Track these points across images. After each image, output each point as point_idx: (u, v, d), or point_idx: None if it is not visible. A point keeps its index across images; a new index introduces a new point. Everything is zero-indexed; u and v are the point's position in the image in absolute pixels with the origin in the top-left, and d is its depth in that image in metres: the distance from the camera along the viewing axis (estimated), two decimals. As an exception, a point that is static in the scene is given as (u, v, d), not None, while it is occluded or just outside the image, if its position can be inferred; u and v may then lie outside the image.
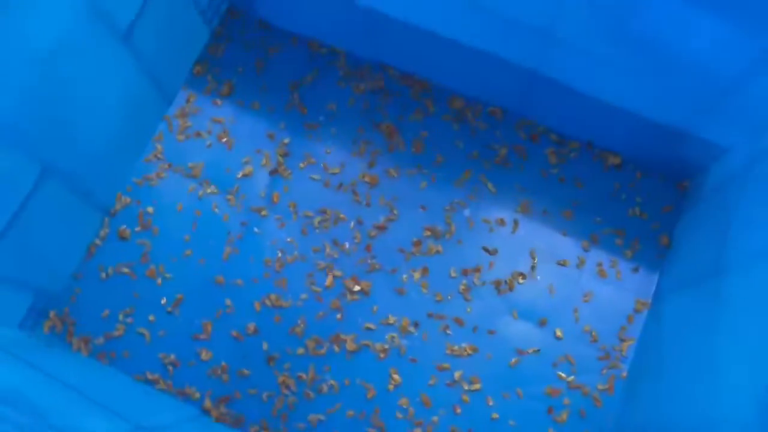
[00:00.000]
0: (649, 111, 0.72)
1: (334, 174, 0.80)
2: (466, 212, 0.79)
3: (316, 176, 0.80)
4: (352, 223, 0.79)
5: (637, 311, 0.75)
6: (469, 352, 0.74)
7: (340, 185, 0.80)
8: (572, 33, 0.66)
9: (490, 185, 0.80)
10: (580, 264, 0.77)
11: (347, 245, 0.78)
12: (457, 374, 0.73)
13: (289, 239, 0.78)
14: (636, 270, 0.76)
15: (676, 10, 0.59)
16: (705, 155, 0.74)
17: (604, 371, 0.73)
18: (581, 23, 0.65)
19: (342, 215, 0.79)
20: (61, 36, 0.60)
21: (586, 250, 0.77)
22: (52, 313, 0.75)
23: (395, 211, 0.79)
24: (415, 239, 0.78)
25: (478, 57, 0.75)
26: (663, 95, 0.69)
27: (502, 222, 0.78)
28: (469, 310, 0.75)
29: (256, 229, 0.78)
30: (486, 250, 0.78)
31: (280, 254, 0.77)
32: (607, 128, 0.78)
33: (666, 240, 0.77)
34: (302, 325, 0.75)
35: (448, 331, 0.75)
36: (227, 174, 0.80)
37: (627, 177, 0.80)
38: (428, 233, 0.78)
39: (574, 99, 0.75)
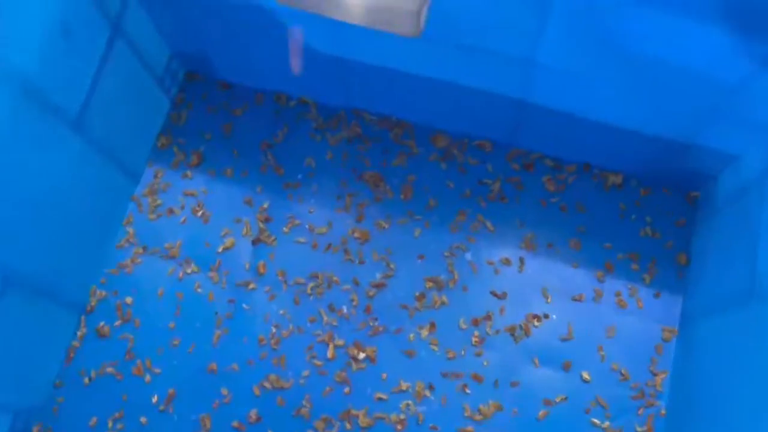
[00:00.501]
0: (647, 125, 0.67)
1: (321, 234, 0.75)
2: (468, 256, 0.73)
3: (302, 239, 0.74)
4: (347, 285, 0.73)
5: (665, 340, 0.70)
6: (493, 410, 0.68)
7: (329, 245, 0.74)
8: (556, 57, 0.62)
9: (488, 224, 0.74)
10: (597, 297, 0.71)
11: (345, 310, 0.72)
12: (482, 436, 0.67)
13: (282, 311, 0.72)
14: (657, 295, 0.71)
15: (665, 22, 0.54)
16: (713, 164, 0.69)
17: (641, 411, 0.67)
18: (564, 46, 0.60)
19: (335, 278, 0.73)
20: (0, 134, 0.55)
21: (601, 281, 0.72)
22: (35, 430, 0.69)
23: (392, 266, 0.73)
24: (417, 293, 0.72)
25: (458, 92, 0.70)
26: (660, 108, 0.64)
27: (507, 262, 0.73)
28: (486, 363, 0.69)
29: (245, 306, 0.72)
30: (494, 294, 0.72)
31: (274, 329, 0.71)
32: (603, 147, 0.73)
33: (684, 258, 0.72)
34: (308, 406, 0.69)
35: (467, 390, 0.69)
36: (207, 249, 0.75)
37: (631, 195, 0.75)
38: (430, 284, 0.72)
39: (566, 122, 0.70)
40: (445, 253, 0.73)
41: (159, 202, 0.76)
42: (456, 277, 0.72)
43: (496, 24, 0.59)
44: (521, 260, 0.73)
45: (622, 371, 0.69)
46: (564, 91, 0.66)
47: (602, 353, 0.69)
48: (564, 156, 0.76)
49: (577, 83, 0.64)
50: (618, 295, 0.71)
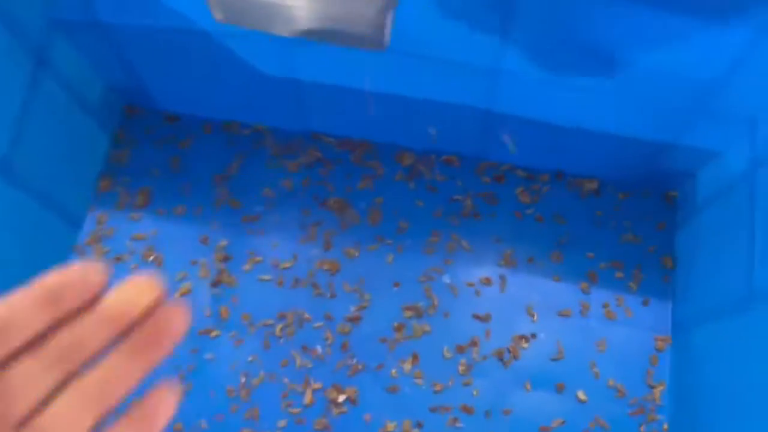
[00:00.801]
0: (620, 128, 0.65)
1: (286, 269, 0.69)
2: (446, 279, 0.69)
3: (266, 276, 0.69)
4: (319, 323, 0.67)
5: (659, 350, 0.66)
6: (488, 443, 0.63)
7: (296, 281, 0.69)
8: (522, 63, 0.58)
9: (464, 243, 0.70)
10: (584, 310, 0.68)
11: (320, 349, 0.66)
12: (480, 473, 0.62)
13: (250, 358, 0.66)
14: (646, 303, 0.68)
15: (635, 21, 0.51)
16: (691, 162, 0.67)
17: (643, 428, 0.64)
18: (530, 51, 0.57)
19: (306, 315, 0.67)
20: None
21: (586, 293, 0.68)
22: None
23: (366, 296, 0.68)
24: (395, 324, 0.67)
25: (422, 106, 0.66)
26: (634, 109, 0.61)
27: (487, 281, 0.69)
28: (475, 393, 0.65)
29: (208, 355, 0.66)
30: (478, 317, 0.67)
31: (243, 379, 0.65)
32: (576, 153, 0.70)
33: (669, 262, 0.69)
34: (288, 459, 0.63)
35: (459, 424, 0.64)
36: (162, 297, 0.68)
37: (608, 201, 0.72)
38: (409, 313, 0.67)
39: (536, 130, 0.67)
40: (422, 278, 0.69)
41: (105, 249, 0.70)
42: (435, 302, 0.68)
43: (459, 33, 0.55)
44: (502, 278, 0.69)
45: (619, 387, 0.65)
46: (532, 98, 0.63)
47: (596, 370, 0.65)
48: (536, 165, 0.73)
49: (545, 89, 0.61)
50: (605, 306, 0.68)
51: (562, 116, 0.64)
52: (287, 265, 0.69)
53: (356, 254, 0.70)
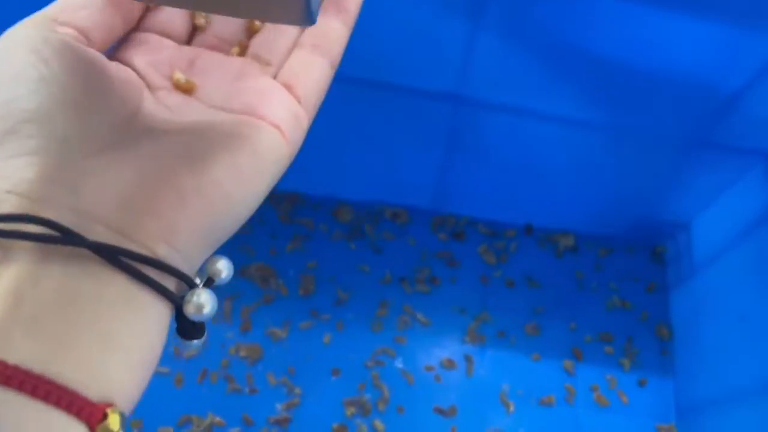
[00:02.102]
0: (598, 171, 0.54)
1: (190, 358, 0.53)
2: (398, 363, 0.55)
3: (163, 369, 0.53)
4: (236, 428, 0.51)
5: (665, 442, 0.53)
6: None
7: (204, 373, 0.53)
8: (485, 88, 0.47)
9: (419, 316, 0.56)
10: (570, 396, 0.54)
11: (236, 465, 0.50)
12: None
13: (141, 482, 0.49)
14: (642, 383, 0.55)
15: (618, 25, 0.41)
16: (682, 211, 0.56)
17: None
18: (494, 72, 0.46)
19: (217, 419, 0.51)
20: None
21: (571, 374, 0.55)
22: None
23: (297, 390, 0.53)
24: (335, 425, 0.52)
25: (365, 148, 0.54)
26: (614, 146, 0.51)
27: (450, 364, 0.55)
28: None
29: (83, 481, 0.49)
30: (440, 411, 0.53)
31: None
32: (546, 203, 0.59)
33: (665, 331, 0.57)
34: None
35: None
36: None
37: (588, 259, 0.60)
38: (352, 410, 0.53)
39: (500, 174, 0.55)
40: (368, 363, 0.54)
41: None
42: (386, 394, 0.53)
43: (415, 54, 0.43)
44: (468, 359, 0.55)
45: (621, 495, 0.51)
46: (496, 134, 0.51)
47: (591, 474, 0.52)
48: (500, 218, 0.61)
49: (510, 121, 0.49)
50: (594, 389, 0.55)
51: (533, 158, 0.53)
52: (191, 353, 0.53)
53: (284, 335, 0.55)
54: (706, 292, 0.54)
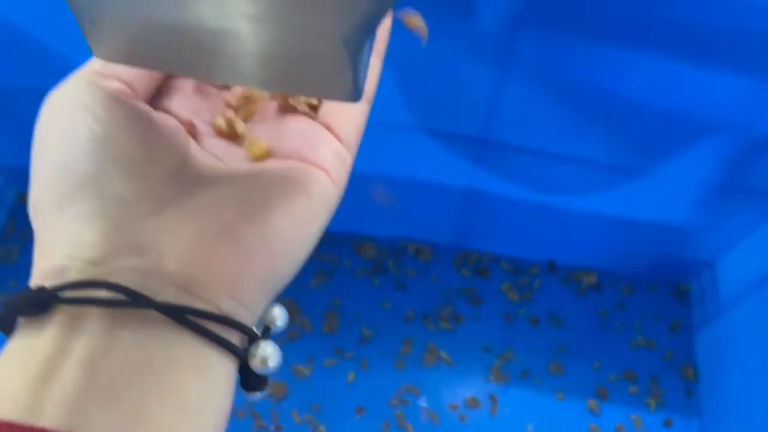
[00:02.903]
0: (622, 209, 0.54)
1: (219, 395, 0.54)
2: (422, 402, 0.55)
3: (192, 406, 0.53)
4: (261, 467, 0.52)
5: (692, 486, 0.53)
6: None
7: (231, 411, 0.53)
8: (510, 131, 0.47)
9: (443, 354, 0.56)
10: (596, 436, 0.54)
11: (261, 504, 0.50)
12: None
13: None
14: (668, 424, 0.55)
15: (644, 70, 0.41)
16: (707, 249, 0.56)
17: None
18: (519, 116, 0.46)
19: (243, 457, 0.52)
20: None
21: (595, 413, 0.55)
22: None
23: (321, 428, 0.53)
24: (360, 464, 0.52)
25: (389, 186, 0.54)
26: (638, 186, 0.51)
27: (474, 403, 0.55)
28: None
29: None
30: (464, 451, 0.53)
31: None
32: (569, 240, 0.59)
33: (690, 372, 0.57)
34: None
35: None
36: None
37: (611, 297, 0.60)
38: (377, 449, 0.53)
39: (523, 211, 0.56)
40: (392, 402, 0.54)
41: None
42: (410, 433, 0.53)
43: (443, 99, 0.44)
44: (492, 398, 0.55)
45: None
46: (520, 173, 0.52)
47: None
48: (523, 255, 0.61)
49: (535, 161, 0.50)
50: (619, 429, 0.55)
51: (557, 196, 0.53)
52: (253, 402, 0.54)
53: (308, 373, 0.55)
54: (731, 333, 0.54)
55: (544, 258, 0.61)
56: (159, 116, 0.21)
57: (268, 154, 0.22)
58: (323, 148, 0.22)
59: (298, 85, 0.20)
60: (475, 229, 0.59)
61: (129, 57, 0.20)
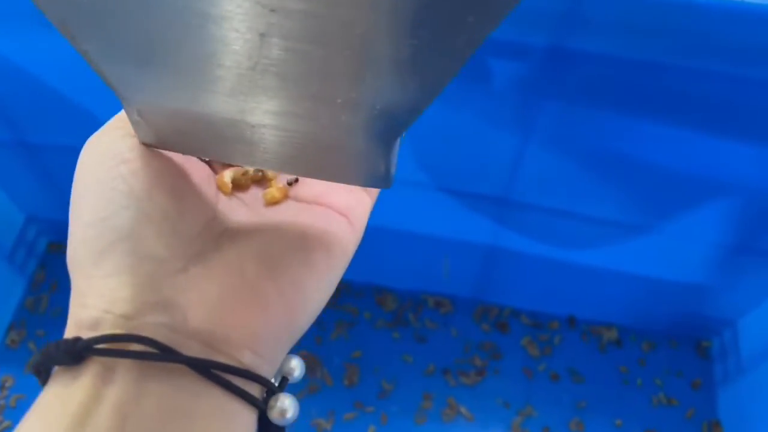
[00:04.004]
0: (643, 267, 0.54)
1: (240, 448, 0.54)
2: (442, 458, 0.55)
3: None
4: None
5: None
6: None
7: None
8: (532, 192, 0.48)
9: (463, 410, 0.56)
10: (618, 496, 0.54)
11: None
12: None
13: None
14: (692, 485, 0.54)
15: (664, 136, 0.42)
16: (728, 308, 0.56)
17: None
18: (541, 178, 0.47)
19: None
20: None
21: (618, 473, 0.55)
22: None
23: (341, 484, 0.53)
24: None
25: (411, 241, 0.55)
26: (659, 246, 0.51)
27: (494, 460, 0.55)
28: None
29: None
30: None
31: None
32: (589, 295, 0.59)
33: (713, 430, 0.56)
34: None
35: None
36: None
37: (632, 353, 0.60)
38: (396, 505, 0.52)
39: (542, 266, 0.56)
40: (412, 457, 0.54)
41: (7, 423, 0.54)
42: (430, 490, 0.53)
43: (467, 162, 0.45)
44: (513, 456, 0.55)
45: None
46: (542, 232, 0.52)
47: None
48: (542, 309, 0.61)
49: (557, 221, 0.50)
50: (642, 489, 0.54)
51: (573, 253, 0.54)
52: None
53: (328, 426, 0.55)
54: (754, 390, 0.54)
55: (564, 313, 0.61)
56: (190, 164, 0.21)
57: (285, 197, 0.23)
58: (344, 193, 0.22)
59: (331, 173, 0.20)
60: (495, 283, 0.60)
61: (170, 144, 0.21)
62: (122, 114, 0.21)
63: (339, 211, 0.22)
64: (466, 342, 0.60)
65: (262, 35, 0.15)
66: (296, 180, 0.24)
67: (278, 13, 0.14)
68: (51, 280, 0.61)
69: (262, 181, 0.23)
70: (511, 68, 0.38)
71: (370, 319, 0.61)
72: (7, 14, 0.41)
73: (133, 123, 0.20)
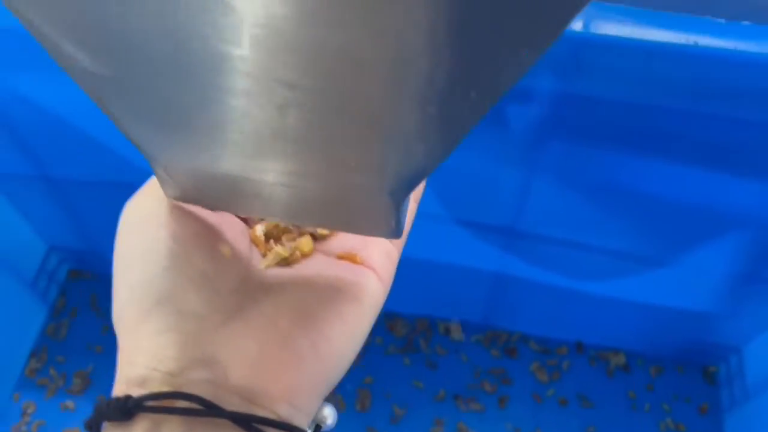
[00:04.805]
0: (649, 296, 0.55)
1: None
2: (453, 483, 0.56)
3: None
4: None
5: None
6: None
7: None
8: (540, 223, 0.50)
9: (474, 435, 0.58)
10: None
11: None
12: None
13: None
14: None
15: (671, 171, 0.44)
16: (733, 335, 0.57)
17: None
18: (549, 208, 0.49)
19: None
20: None
21: (626, 498, 0.55)
22: None
23: None
24: None
25: (420, 267, 0.56)
26: (666, 275, 0.53)
27: (504, 485, 0.56)
28: None
29: None
30: None
31: None
32: (596, 321, 0.60)
33: (721, 455, 0.57)
34: None
35: None
36: None
37: (640, 378, 0.61)
38: None
39: (550, 293, 0.57)
40: (424, 482, 0.55)
41: (27, 448, 0.56)
42: None
43: (475, 195, 0.47)
44: (523, 481, 0.56)
45: None
46: (550, 261, 0.54)
47: None
48: (550, 334, 0.62)
49: (565, 251, 0.52)
50: None
51: (582, 282, 0.55)
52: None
53: (342, 451, 0.56)
54: (761, 417, 0.54)
55: (571, 338, 0.62)
56: (224, 220, 0.23)
57: (313, 250, 0.24)
58: (374, 248, 0.23)
59: (344, 223, 0.22)
60: (504, 309, 0.61)
61: (195, 198, 0.22)
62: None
63: (369, 267, 0.23)
64: (476, 367, 0.61)
65: (281, 107, 0.16)
66: (326, 234, 0.25)
67: (296, 89, 0.15)
68: (71, 307, 0.62)
69: (293, 233, 0.24)
70: (518, 110, 0.40)
71: (381, 344, 0.62)
72: (32, 52, 0.43)
73: (160, 179, 0.22)
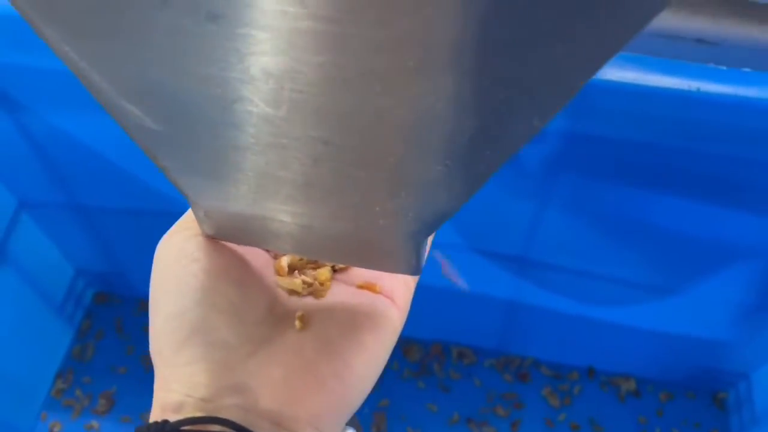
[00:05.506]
0: (659, 323, 0.57)
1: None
2: (467, 506, 0.57)
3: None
4: None
5: None
6: None
7: None
8: (552, 253, 0.51)
9: (487, 458, 0.59)
10: None
11: None
12: None
13: None
14: None
15: (690, 209, 0.45)
16: (742, 361, 0.58)
17: None
18: (561, 239, 0.50)
19: None
20: None
21: None
22: None
23: None
24: None
25: (437, 295, 0.58)
26: (677, 304, 0.54)
27: None
28: None
29: None
30: None
31: None
32: (607, 347, 0.61)
33: (732, 481, 0.58)
34: None
35: None
36: None
37: (650, 404, 0.62)
38: None
39: (562, 320, 0.59)
40: (438, 505, 0.57)
41: (53, 467, 0.57)
42: None
43: (488, 225, 0.49)
44: (535, 505, 0.57)
45: None
46: (562, 289, 0.55)
47: None
48: (562, 360, 0.64)
49: (577, 280, 0.53)
50: None
51: (592, 308, 0.56)
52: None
53: (358, 474, 0.58)
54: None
55: (583, 363, 0.64)
56: (250, 254, 0.24)
57: (329, 281, 0.25)
58: (392, 278, 0.24)
59: (367, 261, 0.23)
60: (517, 335, 0.62)
61: (229, 236, 0.24)
62: (189, 214, 0.24)
63: (387, 296, 0.24)
64: (489, 392, 0.62)
65: (316, 160, 0.18)
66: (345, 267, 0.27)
67: (330, 145, 0.17)
68: (96, 329, 0.64)
69: (315, 263, 0.26)
70: (531, 147, 0.42)
71: (396, 368, 0.63)
72: (66, 90, 0.46)
73: (199, 219, 0.24)
